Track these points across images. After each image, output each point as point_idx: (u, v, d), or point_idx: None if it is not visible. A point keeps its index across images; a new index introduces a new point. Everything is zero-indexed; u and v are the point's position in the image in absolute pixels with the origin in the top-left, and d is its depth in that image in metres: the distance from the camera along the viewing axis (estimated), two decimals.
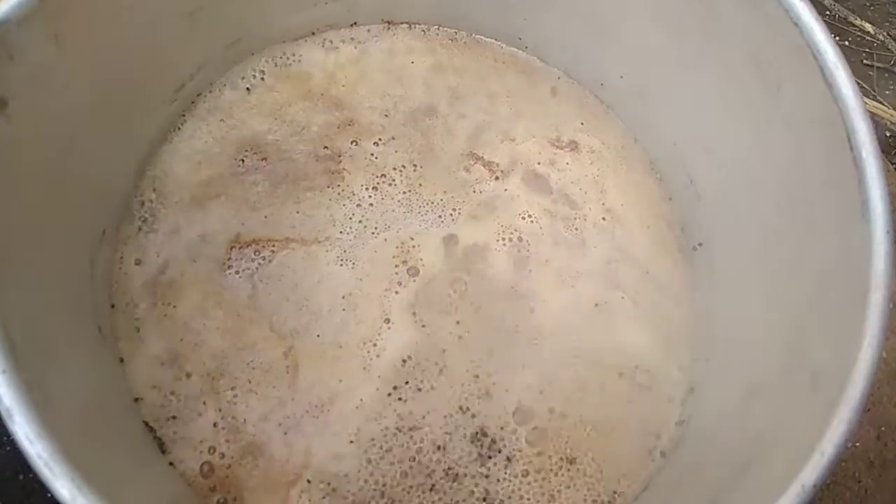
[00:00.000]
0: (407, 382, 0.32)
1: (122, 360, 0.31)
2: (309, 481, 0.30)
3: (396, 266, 0.34)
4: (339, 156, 0.36)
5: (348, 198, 0.35)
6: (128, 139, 0.33)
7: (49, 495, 0.21)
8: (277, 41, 0.38)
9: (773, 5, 0.27)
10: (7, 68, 0.24)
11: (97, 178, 0.31)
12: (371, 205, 0.35)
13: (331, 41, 0.39)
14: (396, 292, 0.33)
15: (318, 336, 0.32)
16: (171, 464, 0.30)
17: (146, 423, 0.31)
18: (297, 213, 0.35)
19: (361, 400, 0.32)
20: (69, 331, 0.28)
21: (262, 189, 0.35)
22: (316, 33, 0.39)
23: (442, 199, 0.36)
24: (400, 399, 0.32)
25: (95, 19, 0.28)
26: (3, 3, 0.24)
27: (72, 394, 0.24)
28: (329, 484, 0.30)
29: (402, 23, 0.40)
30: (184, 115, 0.36)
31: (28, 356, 0.22)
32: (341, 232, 0.34)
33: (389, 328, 0.33)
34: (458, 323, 0.33)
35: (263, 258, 0.33)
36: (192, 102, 0.36)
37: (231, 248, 0.33)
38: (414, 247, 0.34)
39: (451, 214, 0.36)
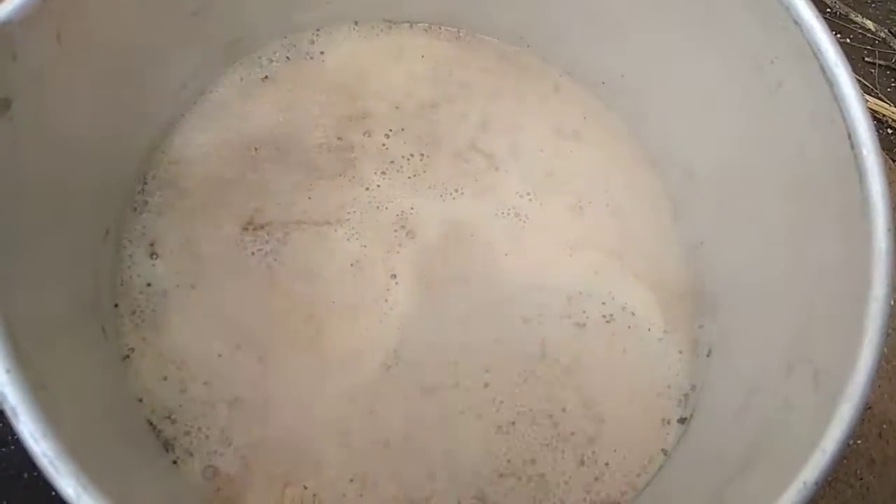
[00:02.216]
0: (419, 332, 0.34)
1: (125, 359, 0.32)
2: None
3: (395, 231, 0.36)
4: (352, 147, 0.37)
5: (358, 183, 0.37)
6: (133, 136, 0.33)
7: (53, 493, 0.21)
8: (280, 38, 0.38)
9: (773, 4, 0.27)
10: (10, 68, 0.24)
11: (101, 176, 0.31)
12: (378, 186, 0.37)
13: (335, 39, 0.39)
14: (398, 252, 0.35)
15: (333, 302, 0.34)
16: (174, 462, 0.30)
17: (150, 423, 0.31)
18: (309, 198, 0.36)
19: (387, 351, 0.33)
20: (73, 330, 0.28)
21: (274, 177, 0.36)
22: (321, 30, 0.39)
23: (445, 182, 0.37)
24: (416, 346, 0.34)
25: (98, 19, 0.28)
26: (6, 4, 0.24)
27: (76, 393, 0.25)
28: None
29: (403, 22, 0.40)
30: (190, 111, 0.36)
31: (33, 356, 0.22)
32: (349, 212, 0.36)
33: (397, 283, 0.35)
34: (455, 279, 0.35)
35: (277, 239, 0.35)
36: (195, 102, 0.36)
37: (244, 231, 0.35)
38: (413, 214, 0.36)
39: (451, 194, 0.37)
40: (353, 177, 0.37)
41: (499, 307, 0.35)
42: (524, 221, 0.37)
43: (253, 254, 0.34)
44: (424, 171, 0.37)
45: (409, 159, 0.37)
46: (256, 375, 0.32)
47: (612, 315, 0.35)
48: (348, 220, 0.36)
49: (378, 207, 0.36)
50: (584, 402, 0.34)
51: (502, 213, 0.37)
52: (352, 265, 0.35)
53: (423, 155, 0.38)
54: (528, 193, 0.37)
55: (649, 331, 0.35)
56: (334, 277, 0.34)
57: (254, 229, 0.35)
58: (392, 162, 0.37)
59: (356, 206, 0.36)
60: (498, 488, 0.32)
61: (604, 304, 0.36)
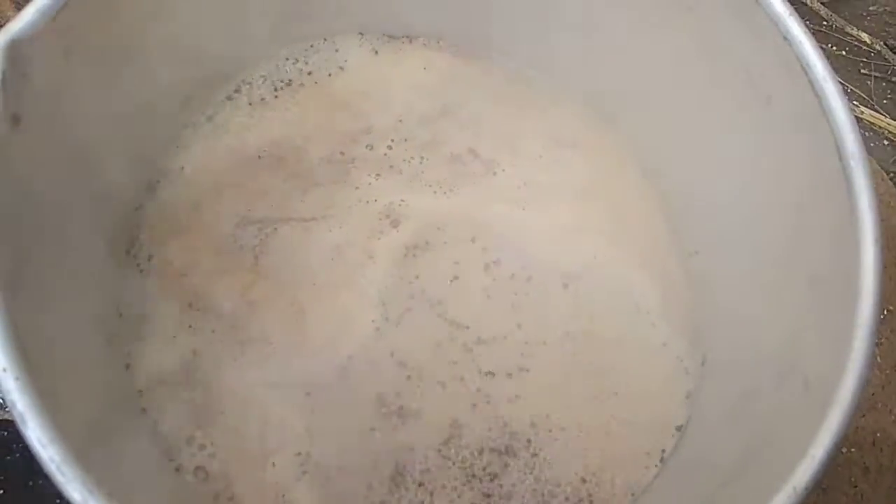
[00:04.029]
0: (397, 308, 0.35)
1: (128, 367, 0.32)
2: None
3: (380, 220, 0.37)
4: (353, 160, 0.38)
5: (353, 185, 0.38)
6: (141, 146, 0.34)
7: (58, 501, 0.22)
8: (284, 53, 0.39)
9: (762, 19, 0.28)
10: (20, 85, 0.25)
11: (108, 187, 0.32)
12: (369, 184, 0.38)
13: (339, 54, 0.40)
14: (379, 238, 0.36)
15: (314, 284, 0.35)
16: (177, 470, 0.31)
17: (152, 429, 0.31)
18: (302, 202, 0.37)
19: (372, 321, 0.35)
20: (79, 339, 0.28)
21: (273, 185, 0.37)
22: (326, 43, 0.40)
23: (440, 182, 0.38)
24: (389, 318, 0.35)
25: (105, 36, 0.29)
26: (15, 23, 0.25)
27: (82, 400, 0.25)
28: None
29: (403, 37, 0.41)
30: (196, 122, 0.37)
31: (40, 364, 0.23)
32: (339, 209, 0.37)
33: (374, 263, 0.36)
34: (437, 258, 0.36)
35: (266, 234, 0.36)
36: (202, 113, 0.37)
37: (236, 227, 0.36)
38: (401, 206, 0.37)
39: (445, 193, 0.38)
40: (348, 181, 0.38)
41: (484, 282, 0.36)
42: (522, 209, 0.38)
43: (241, 247, 0.35)
44: (422, 172, 0.38)
45: (409, 162, 0.38)
46: (240, 364, 0.33)
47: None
48: (336, 214, 0.37)
49: (368, 202, 0.37)
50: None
51: (495, 206, 0.38)
52: (333, 250, 0.36)
53: (422, 158, 0.39)
54: (525, 184, 0.38)
55: (647, 339, 0.36)
56: (317, 263, 0.36)
57: (244, 226, 0.36)
58: (391, 166, 0.38)
59: (347, 202, 0.37)
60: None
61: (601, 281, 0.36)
